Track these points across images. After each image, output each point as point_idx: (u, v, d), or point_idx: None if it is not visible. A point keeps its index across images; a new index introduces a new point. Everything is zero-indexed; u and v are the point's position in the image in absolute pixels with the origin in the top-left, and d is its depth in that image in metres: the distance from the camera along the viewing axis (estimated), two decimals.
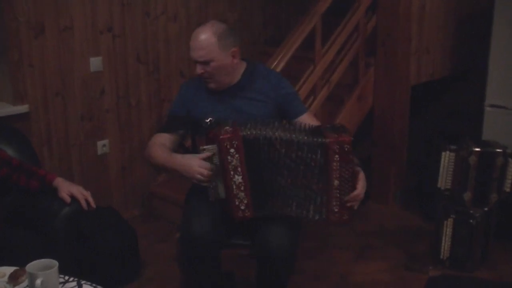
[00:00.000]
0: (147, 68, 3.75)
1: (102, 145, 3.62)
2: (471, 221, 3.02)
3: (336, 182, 2.17)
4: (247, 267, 2.83)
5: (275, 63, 3.28)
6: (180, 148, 2.44)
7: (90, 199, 2.42)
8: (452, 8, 3.98)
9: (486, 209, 3.05)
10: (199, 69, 2.33)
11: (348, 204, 2.21)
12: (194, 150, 2.22)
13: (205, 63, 2.31)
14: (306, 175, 2.18)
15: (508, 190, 3.02)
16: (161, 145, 2.39)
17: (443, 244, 3.09)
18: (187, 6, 3.89)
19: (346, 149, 2.14)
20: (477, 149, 2.99)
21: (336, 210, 2.20)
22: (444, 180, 3.06)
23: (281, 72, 3.07)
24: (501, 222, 3.23)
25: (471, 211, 3.03)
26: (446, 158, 3.05)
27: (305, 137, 2.16)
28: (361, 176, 2.23)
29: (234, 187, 2.17)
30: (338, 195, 2.19)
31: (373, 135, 3.95)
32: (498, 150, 2.99)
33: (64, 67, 3.35)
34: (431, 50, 3.92)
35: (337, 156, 2.14)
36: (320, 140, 2.15)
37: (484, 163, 2.99)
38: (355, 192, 2.19)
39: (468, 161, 3.00)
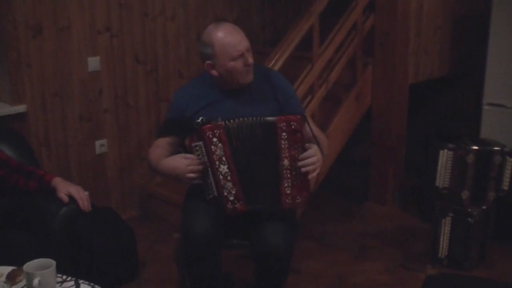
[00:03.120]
0: (145, 68, 3.76)
1: (100, 145, 3.62)
2: (469, 219, 3.02)
3: (286, 162, 2.18)
4: (244, 267, 2.84)
5: (273, 62, 3.28)
6: (180, 147, 2.44)
7: (87, 202, 2.41)
8: (449, 8, 3.99)
9: (484, 207, 3.05)
10: (250, 58, 2.30)
11: (303, 169, 2.19)
12: (186, 152, 2.23)
13: (250, 51, 2.31)
14: (267, 157, 2.20)
15: (506, 188, 3.02)
16: (158, 150, 2.40)
17: (441, 243, 3.10)
18: (185, 6, 3.89)
19: (293, 127, 2.15)
20: (475, 148, 3.00)
21: (288, 192, 2.20)
22: (442, 178, 3.06)
23: (278, 71, 3.06)
24: (499, 221, 3.24)
25: (469, 210, 3.03)
26: (444, 157, 3.05)
27: (259, 118, 2.19)
28: (313, 146, 2.23)
29: (221, 177, 2.19)
30: (289, 175, 2.19)
31: (371, 135, 3.95)
32: (496, 148, 3.00)
33: (62, 67, 3.35)
34: (429, 50, 3.92)
35: (284, 134, 2.15)
36: (269, 118, 2.18)
37: (482, 161, 2.99)
38: (305, 153, 2.18)
39: (466, 159, 3.00)
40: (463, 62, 4.23)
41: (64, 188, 2.40)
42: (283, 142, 2.16)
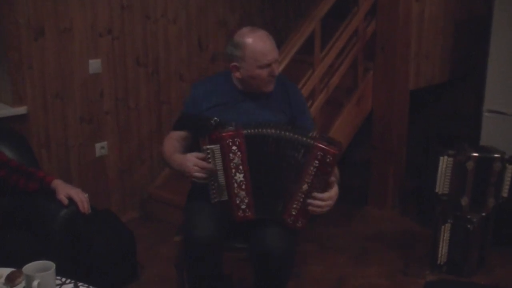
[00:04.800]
0: (146, 71, 3.76)
1: (101, 147, 3.62)
2: (468, 226, 3.02)
3: (305, 187, 2.17)
4: (244, 269, 2.83)
5: None
6: (193, 145, 2.44)
7: (86, 204, 2.41)
8: (450, 13, 3.99)
9: (483, 214, 3.05)
10: (277, 69, 2.33)
11: (315, 202, 2.18)
12: (198, 150, 2.23)
13: (277, 61, 2.34)
14: (288, 173, 2.19)
15: (505, 195, 3.02)
16: (173, 141, 2.42)
17: (440, 248, 3.10)
18: (187, 9, 3.89)
19: (327, 160, 2.13)
20: (475, 154, 2.99)
21: (293, 213, 2.20)
22: (442, 185, 3.06)
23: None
24: (499, 227, 3.23)
25: (469, 216, 3.03)
26: (444, 163, 3.05)
27: (294, 134, 2.17)
28: (335, 188, 2.23)
29: (235, 185, 2.18)
30: (301, 199, 2.18)
31: (372, 139, 3.95)
32: (496, 155, 2.99)
33: (63, 69, 3.36)
34: (430, 55, 3.92)
35: (317, 162, 2.14)
36: (307, 140, 2.16)
37: (482, 168, 2.99)
38: (323, 195, 2.18)
39: (465, 166, 3.00)
40: (464, 66, 4.23)
41: (64, 191, 2.39)
42: (311, 168, 2.15)
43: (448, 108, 4.53)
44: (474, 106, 4.04)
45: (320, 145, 2.14)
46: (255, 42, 2.29)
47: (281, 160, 2.19)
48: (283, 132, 2.18)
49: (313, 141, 2.15)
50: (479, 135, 3.61)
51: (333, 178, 2.21)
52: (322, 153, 2.13)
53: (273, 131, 2.18)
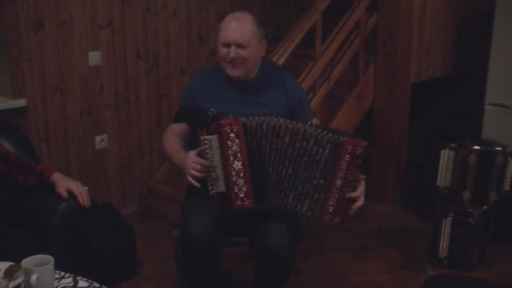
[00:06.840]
0: (146, 64, 3.74)
1: (100, 140, 3.60)
2: (469, 220, 3.01)
3: (338, 182, 2.15)
4: (244, 265, 2.83)
5: (275, 59, 3.27)
6: (192, 138, 2.43)
7: (86, 197, 2.39)
8: (453, 8, 3.97)
9: (485, 208, 3.04)
10: (233, 53, 2.29)
11: (355, 204, 2.17)
12: (197, 141, 2.22)
13: (242, 47, 2.29)
14: (309, 168, 2.16)
15: (507, 189, 3.01)
16: (174, 137, 2.42)
17: (441, 243, 3.09)
18: (187, 3, 3.88)
19: (357, 152, 2.12)
20: (477, 148, 2.98)
21: (330, 210, 2.18)
22: (443, 178, 3.05)
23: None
24: (500, 222, 3.22)
25: (470, 210, 3.02)
26: (446, 156, 3.04)
27: (315, 130, 2.15)
28: (363, 183, 2.21)
29: (234, 173, 2.16)
30: (337, 195, 2.16)
31: (373, 135, 3.94)
32: (498, 148, 2.98)
33: (63, 62, 3.34)
34: (432, 51, 3.91)
35: (347, 156, 2.12)
36: (334, 136, 2.13)
37: (484, 162, 2.98)
38: (354, 193, 2.17)
39: (467, 159, 2.99)
40: (466, 63, 4.22)
41: (64, 184, 2.38)
42: (343, 163, 2.13)
43: (449, 107, 4.53)
44: (475, 105, 4.04)
45: (349, 140, 2.12)
46: (226, 18, 2.33)
47: (299, 153, 2.15)
48: (300, 125, 2.15)
49: (341, 137, 2.13)
50: (480, 134, 3.61)
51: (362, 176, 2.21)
52: (352, 147, 2.12)
53: (285, 122, 2.15)
